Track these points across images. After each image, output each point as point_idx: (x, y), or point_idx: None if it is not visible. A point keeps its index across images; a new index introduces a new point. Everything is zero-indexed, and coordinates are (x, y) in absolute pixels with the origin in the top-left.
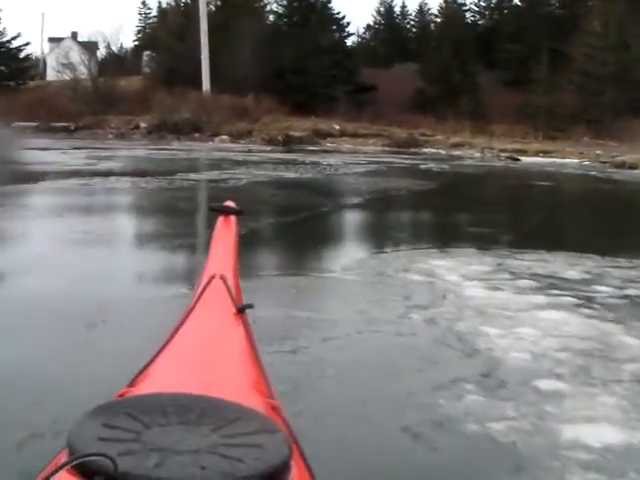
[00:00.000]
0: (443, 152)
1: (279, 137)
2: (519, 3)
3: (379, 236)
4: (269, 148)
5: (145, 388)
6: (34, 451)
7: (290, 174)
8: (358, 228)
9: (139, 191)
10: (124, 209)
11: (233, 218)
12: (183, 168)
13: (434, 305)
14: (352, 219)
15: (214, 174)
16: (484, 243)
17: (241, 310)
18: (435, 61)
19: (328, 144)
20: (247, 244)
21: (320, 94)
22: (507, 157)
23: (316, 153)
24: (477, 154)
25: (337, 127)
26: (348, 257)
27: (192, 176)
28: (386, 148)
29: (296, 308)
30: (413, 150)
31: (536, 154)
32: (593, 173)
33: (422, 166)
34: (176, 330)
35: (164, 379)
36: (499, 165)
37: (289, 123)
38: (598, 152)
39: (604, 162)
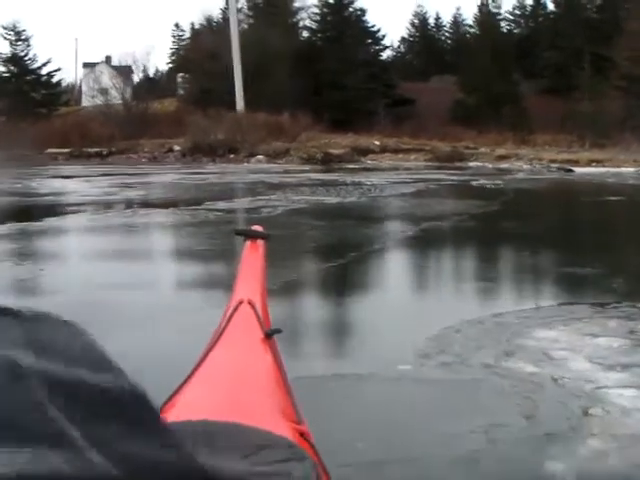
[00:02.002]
0: (490, 165)
1: (317, 155)
2: (554, 9)
3: (453, 290)
4: (307, 167)
5: (173, 416)
6: None
7: (331, 198)
8: (423, 278)
9: (151, 229)
10: (123, 258)
11: (260, 242)
12: (212, 195)
13: (574, 438)
14: (412, 262)
15: (246, 201)
16: (596, 293)
17: (269, 335)
18: (473, 71)
19: (369, 161)
20: (278, 306)
21: (358, 109)
22: (558, 168)
23: (357, 172)
24: (526, 166)
25: (377, 143)
26: (420, 332)
27: (220, 205)
28: (429, 163)
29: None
30: (458, 164)
31: (588, 164)
32: None
33: (473, 183)
34: (205, 356)
35: (192, 406)
36: (554, 177)
37: (327, 140)
38: None
39: None
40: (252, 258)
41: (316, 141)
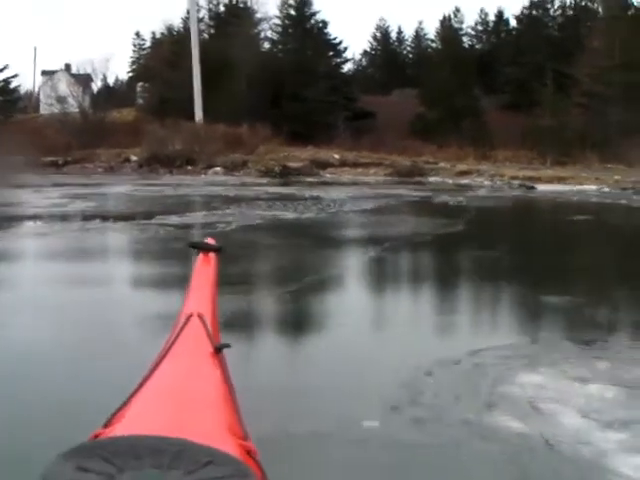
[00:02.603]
0: (450, 181)
1: (276, 168)
2: (516, 26)
3: (421, 323)
4: (265, 180)
5: (120, 430)
6: None
7: (289, 214)
8: (386, 309)
9: (93, 246)
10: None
11: (213, 255)
12: (165, 208)
13: None
14: (374, 290)
15: (199, 216)
16: (578, 327)
17: (218, 350)
18: (435, 85)
19: (328, 175)
20: (226, 337)
21: (318, 122)
22: (520, 185)
23: (316, 185)
24: (487, 182)
25: (337, 157)
26: (387, 375)
27: (173, 220)
28: (389, 178)
29: None
30: (417, 179)
31: (550, 181)
32: (623, 201)
33: (435, 199)
34: (153, 370)
35: (139, 421)
36: (517, 195)
37: (286, 153)
38: (616, 177)
39: (625, 188)
40: (204, 271)
41: (275, 154)
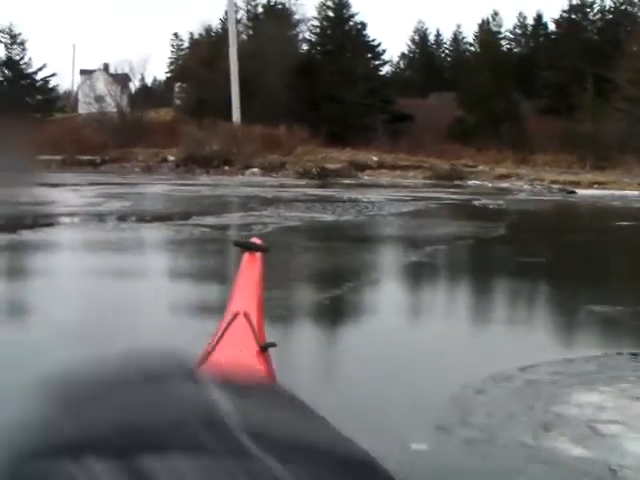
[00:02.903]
0: (489, 184)
1: (313, 170)
2: (555, 30)
3: (468, 334)
4: (303, 182)
5: None
6: None
7: (327, 216)
8: (430, 318)
9: (126, 247)
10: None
11: (258, 255)
12: (201, 209)
13: None
14: (417, 297)
15: (236, 217)
16: (635, 340)
17: (264, 348)
18: (473, 88)
19: (366, 177)
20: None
21: (356, 124)
22: (560, 189)
23: (354, 188)
24: (526, 186)
25: (375, 159)
26: (436, 392)
27: (208, 220)
28: (427, 181)
29: None
30: (457, 182)
31: (590, 186)
32: None
33: (475, 202)
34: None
35: None
36: (557, 199)
37: (324, 155)
38: None
39: None
40: (250, 270)
41: (312, 155)
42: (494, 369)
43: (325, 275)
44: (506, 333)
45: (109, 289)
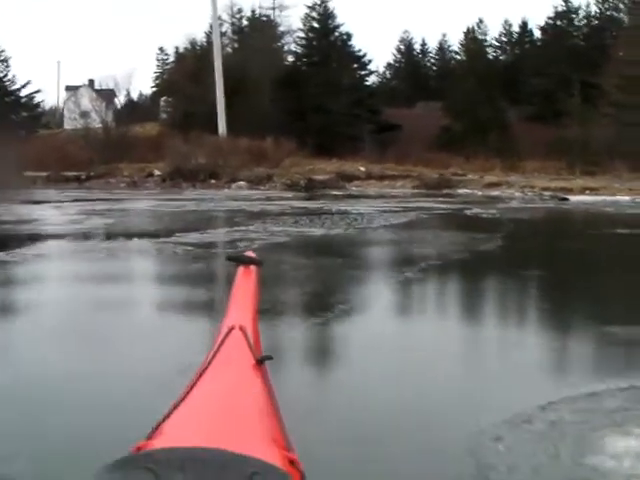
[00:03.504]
0: (479, 193)
1: (301, 182)
2: (541, 36)
3: (475, 365)
4: (290, 194)
5: (163, 441)
6: None
7: (315, 230)
8: (433, 348)
9: (104, 267)
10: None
11: (253, 268)
12: (185, 225)
13: None
14: (413, 322)
15: (221, 233)
16: None
17: (260, 362)
18: (460, 97)
19: (354, 187)
20: None
21: (342, 134)
22: (552, 196)
23: (342, 199)
24: (517, 194)
25: (363, 169)
26: (445, 444)
27: (192, 237)
28: (416, 190)
29: None
30: (446, 191)
31: (582, 192)
32: None
33: (467, 212)
34: (195, 382)
35: (182, 432)
36: (550, 207)
37: (311, 166)
38: None
39: None
40: (244, 284)
41: (300, 167)
42: (510, 409)
43: (315, 296)
44: (516, 363)
45: (74, 322)
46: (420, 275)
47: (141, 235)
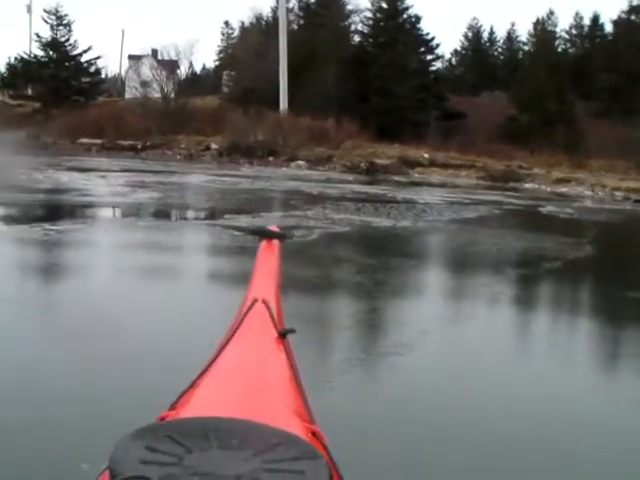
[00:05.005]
0: (547, 189)
1: (362, 165)
2: (612, 30)
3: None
4: (351, 177)
5: (187, 412)
6: None
7: (380, 220)
8: (542, 407)
9: (127, 258)
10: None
11: (276, 242)
12: (236, 205)
13: None
14: (518, 355)
15: (275, 217)
16: None
17: (283, 335)
18: (528, 87)
19: (416, 174)
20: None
21: (407, 119)
22: (625, 198)
23: (405, 186)
24: (587, 192)
25: (426, 156)
26: None
27: (242, 221)
28: (481, 182)
29: None
30: (511, 185)
31: None
32: None
33: (541, 209)
34: (218, 353)
35: (205, 403)
36: (627, 209)
37: (373, 150)
38: None
39: None
40: (267, 258)
41: (361, 149)
42: None
43: (386, 313)
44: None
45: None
46: (510, 289)
47: (185, 214)
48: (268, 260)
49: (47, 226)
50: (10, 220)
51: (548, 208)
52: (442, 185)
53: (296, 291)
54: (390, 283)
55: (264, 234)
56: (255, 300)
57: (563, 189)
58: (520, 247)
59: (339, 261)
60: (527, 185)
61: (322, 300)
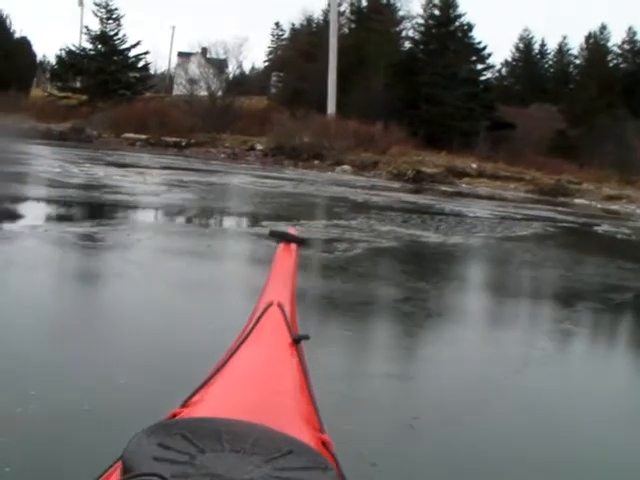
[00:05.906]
0: (598, 205)
1: (409, 172)
2: None
3: None
4: (397, 185)
5: (198, 411)
6: None
7: (429, 234)
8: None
9: (131, 277)
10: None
11: (294, 246)
12: (277, 211)
13: None
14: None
15: (317, 227)
16: None
17: (297, 340)
18: (579, 101)
19: (464, 185)
20: None
21: (455, 128)
22: None
23: (453, 197)
24: (639, 211)
25: (474, 166)
26: None
27: (282, 229)
28: (530, 195)
29: None
30: (561, 199)
31: None
32: None
33: (596, 228)
34: (231, 354)
35: (217, 403)
36: None
37: (420, 157)
38: None
39: None
40: (284, 261)
41: (408, 157)
42: None
43: (443, 359)
44: None
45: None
46: (579, 327)
47: (218, 220)
48: (285, 264)
49: (64, 227)
50: (24, 218)
51: (603, 227)
52: (490, 197)
53: (334, 320)
54: (445, 315)
55: (282, 237)
56: (270, 303)
57: (614, 207)
58: (583, 273)
59: (385, 283)
60: (577, 201)
61: (361, 337)
